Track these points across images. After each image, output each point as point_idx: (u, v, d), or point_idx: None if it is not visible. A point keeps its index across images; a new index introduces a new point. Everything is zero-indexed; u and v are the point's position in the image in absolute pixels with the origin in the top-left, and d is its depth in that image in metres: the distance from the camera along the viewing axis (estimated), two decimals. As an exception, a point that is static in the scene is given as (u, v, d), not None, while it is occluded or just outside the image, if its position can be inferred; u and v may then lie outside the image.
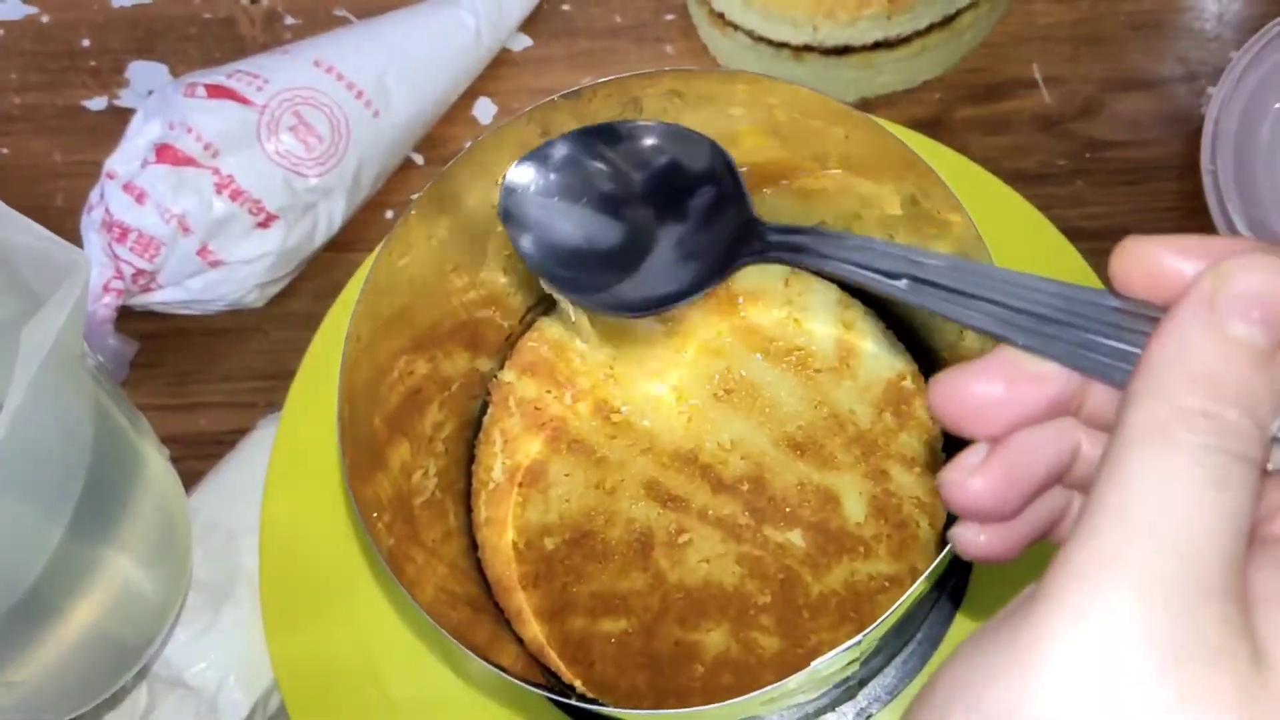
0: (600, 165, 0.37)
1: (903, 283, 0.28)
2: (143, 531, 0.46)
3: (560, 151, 0.37)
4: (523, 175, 0.37)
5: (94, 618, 0.44)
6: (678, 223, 0.36)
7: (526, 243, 0.37)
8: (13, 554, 0.40)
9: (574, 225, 0.37)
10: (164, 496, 0.48)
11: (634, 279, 0.36)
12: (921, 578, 0.36)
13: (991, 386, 0.26)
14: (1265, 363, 0.23)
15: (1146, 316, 0.25)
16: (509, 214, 0.37)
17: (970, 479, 0.26)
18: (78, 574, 0.43)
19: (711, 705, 0.35)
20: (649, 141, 0.37)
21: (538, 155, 0.37)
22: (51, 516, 0.41)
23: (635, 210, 0.37)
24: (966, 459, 0.26)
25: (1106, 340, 0.25)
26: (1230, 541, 0.22)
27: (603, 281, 0.36)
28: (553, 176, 0.37)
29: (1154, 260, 0.25)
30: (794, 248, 0.32)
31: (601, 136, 0.37)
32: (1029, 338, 0.26)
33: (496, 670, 0.36)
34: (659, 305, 0.35)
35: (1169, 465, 0.22)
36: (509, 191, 0.37)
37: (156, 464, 0.48)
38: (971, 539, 0.27)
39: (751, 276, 0.49)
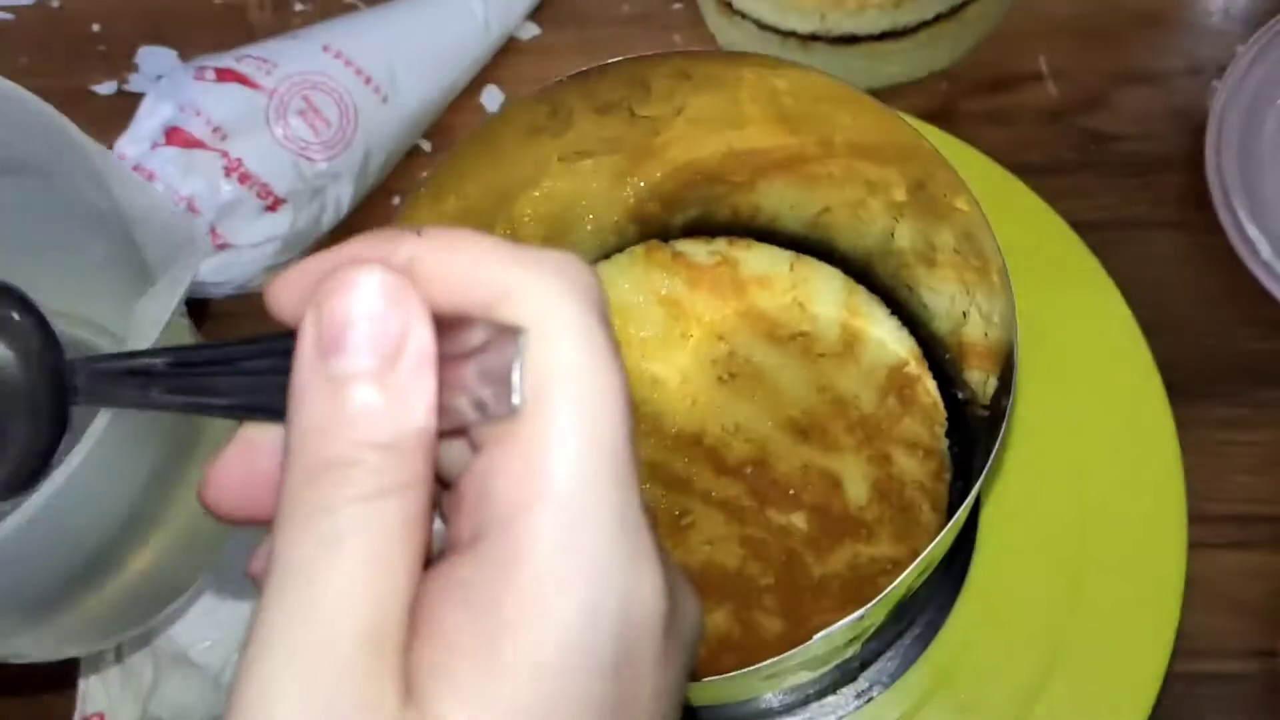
0: None
1: (154, 392, 0.24)
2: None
3: None
4: None
5: (157, 559, 0.45)
6: None
7: None
8: (93, 516, 0.41)
9: None
10: (228, 430, 0.49)
11: None
12: (923, 554, 0.36)
13: (240, 468, 0.24)
14: (382, 379, 0.21)
15: None
16: None
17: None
18: (147, 524, 0.43)
19: (714, 677, 0.36)
20: None
21: None
22: (132, 479, 0.41)
23: None
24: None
25: None
26: (358, 614, 0.20)
27: None
28: None
29: (285, 296, 0.23)
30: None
31: None
32: (245, 403, 0.23)
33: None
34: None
35: (294, 542, 0.21)
36: None
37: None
38: None
39: (756, 260, 0.50)
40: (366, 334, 0.21)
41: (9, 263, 0.50)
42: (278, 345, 0.23)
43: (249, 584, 0.50)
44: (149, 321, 0.38)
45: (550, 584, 0.20)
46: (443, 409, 0.21)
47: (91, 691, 0.49)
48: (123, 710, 0.48)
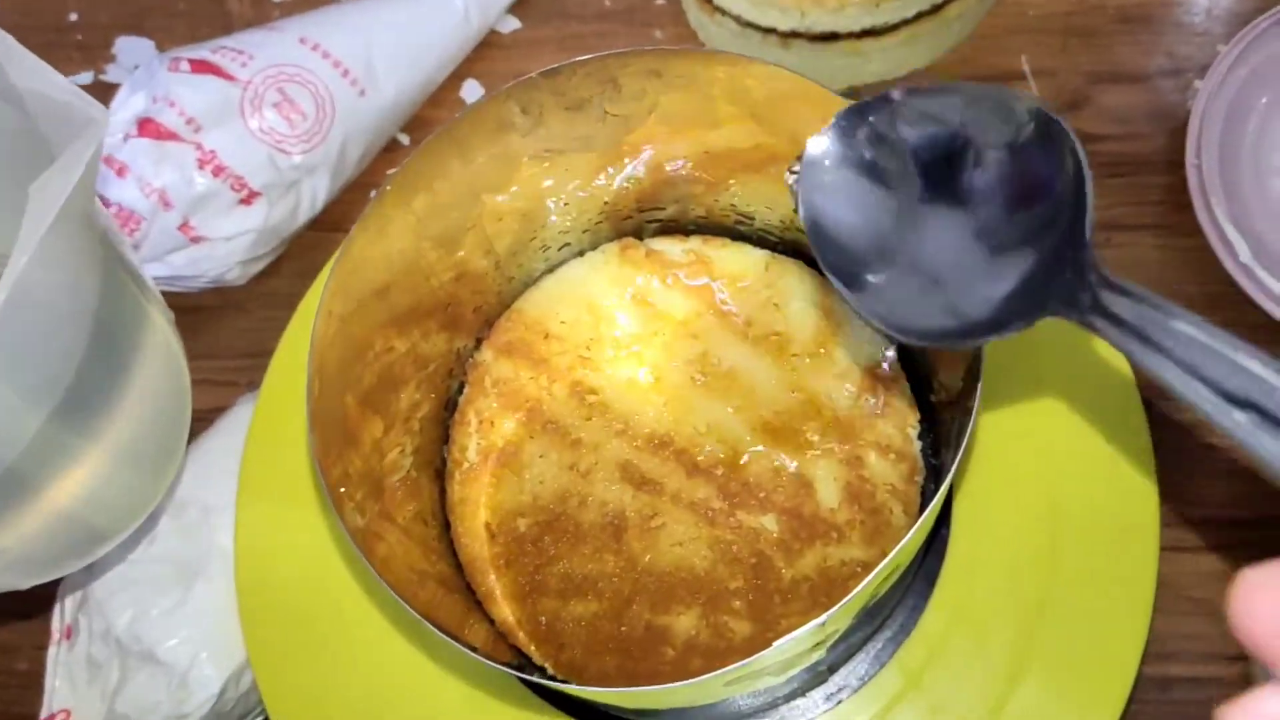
0: (912, 140, 0.29)
1: (1242, 417, 0.21)
2: (141, 405, 0.44)
3: (870, 120, 0.30)
4: (820, 146, 0.31)
5: (71, 502, 0.43)
6: (985, 229, 0.28)
7: (818, 230, 0.30)
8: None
9: (869, 212, 0.30)
10: (168, 361, 0.47)
11: (916, 287, 0.29)
12: (886, 559, 0.36)
13: None
14: None
15: None
16: (806, 191, 0.31)
17: None
18: (62, 455, 0.41)
19: (675, 684, 0.35)
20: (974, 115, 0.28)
21: (847, 122, 0.30)
22: (43, 391, 0.39)
23: (939, 201, 0.29)
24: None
25: None
26: None
27: (887, 285, 0.29)
28: (862, 152, 0.30)
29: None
30: (1121, 321, 0.24)
31: (920, 101, 0.29)
32: None
33: (466, 650, 0.36)
34: (934, 339, 0.29)
35: None
36: (807, 165, 0.31)
37: (161, 330, 0.46)
38: None
39: (730, 259, 0.49)
40: None
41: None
42: None
43: (216, 583, 0.50)
44: (47, 200, 0.35)
45: None
46: None
47: (57, 689, 0.48)
48: (88, 707, 0.48)
